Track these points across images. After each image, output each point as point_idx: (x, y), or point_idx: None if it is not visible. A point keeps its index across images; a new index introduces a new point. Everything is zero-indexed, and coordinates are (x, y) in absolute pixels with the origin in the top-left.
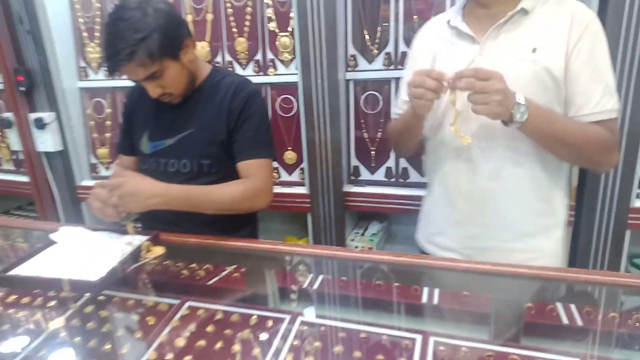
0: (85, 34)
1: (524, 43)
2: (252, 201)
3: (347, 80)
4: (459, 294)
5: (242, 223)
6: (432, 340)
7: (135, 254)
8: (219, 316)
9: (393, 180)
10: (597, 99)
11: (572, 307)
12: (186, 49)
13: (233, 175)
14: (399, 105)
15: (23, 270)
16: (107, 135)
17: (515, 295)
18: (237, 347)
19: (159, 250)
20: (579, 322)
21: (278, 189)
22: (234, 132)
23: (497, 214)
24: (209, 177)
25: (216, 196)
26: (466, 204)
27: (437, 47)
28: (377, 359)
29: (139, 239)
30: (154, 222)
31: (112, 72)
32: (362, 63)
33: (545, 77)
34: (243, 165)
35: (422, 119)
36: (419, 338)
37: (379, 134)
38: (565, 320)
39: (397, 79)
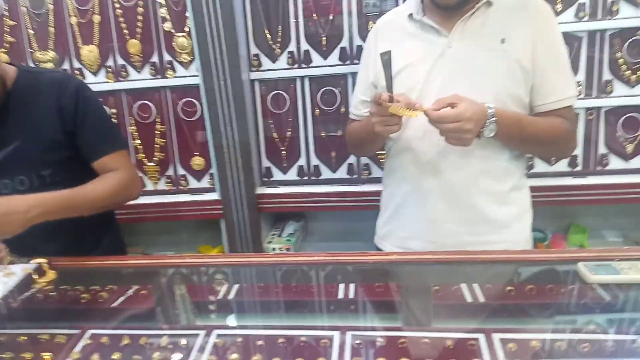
0: None
1: (492, 34)
2: (125, 194)
3: (252, 81)
4: (373, 287)
5: (100, 230)
6: (349, 335)
7: (22, 285)
8: (125, 341)
9: (306, 178)
10: (563, 87)
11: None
12: None
13: (80, 179)
14: (357, 105)
15: None
16: None
17: (419, 281)
18: None
19: (50, 275)
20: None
21: (187, 197)
22: (77, 133)
23: (473, 208)
24: (53, 187)
25: (93, 194)
26: (441, 202)
27: (401, 41)
28: None
29: (21, 268)
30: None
31: None
32: (266, 62)
33: (515, 67)
34: (101, 164)
35: None
36: (336, 334)
37: (289, 133)
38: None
39: (302, 78)
